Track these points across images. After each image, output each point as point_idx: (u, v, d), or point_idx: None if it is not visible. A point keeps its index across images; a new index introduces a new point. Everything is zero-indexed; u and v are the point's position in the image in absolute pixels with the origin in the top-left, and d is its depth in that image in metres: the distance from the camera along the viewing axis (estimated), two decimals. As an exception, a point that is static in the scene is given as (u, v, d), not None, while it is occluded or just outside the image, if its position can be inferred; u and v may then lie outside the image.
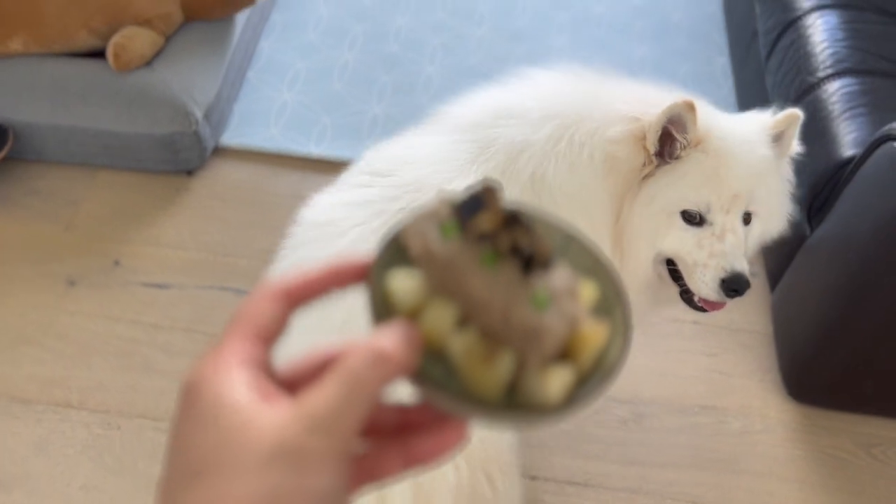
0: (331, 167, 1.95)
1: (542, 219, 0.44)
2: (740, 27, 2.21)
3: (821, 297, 1.47)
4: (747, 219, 1.11)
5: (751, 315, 1.73)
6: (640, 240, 1.10)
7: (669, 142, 1.06)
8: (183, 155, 1.84)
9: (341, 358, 0.37)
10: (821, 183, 1.47)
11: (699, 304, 1.13)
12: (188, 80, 1.82)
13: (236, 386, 0.36)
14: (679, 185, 1.06)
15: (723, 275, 1.06)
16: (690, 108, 1.03)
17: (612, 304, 0.42)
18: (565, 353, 0.39)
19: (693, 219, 1.08)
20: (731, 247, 1.07)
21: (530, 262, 0.38)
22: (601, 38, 2.35)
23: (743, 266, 1.07)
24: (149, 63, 1.81)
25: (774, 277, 1.70)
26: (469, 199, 0.40)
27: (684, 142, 1.05)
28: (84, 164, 1.89)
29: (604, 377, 0.39)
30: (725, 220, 1.07)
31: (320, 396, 0.35)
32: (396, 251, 0.41)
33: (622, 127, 1.08)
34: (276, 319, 0.39)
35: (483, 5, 2.41)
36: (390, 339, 0.37)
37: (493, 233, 0.39)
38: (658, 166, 1.07)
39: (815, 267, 1.51)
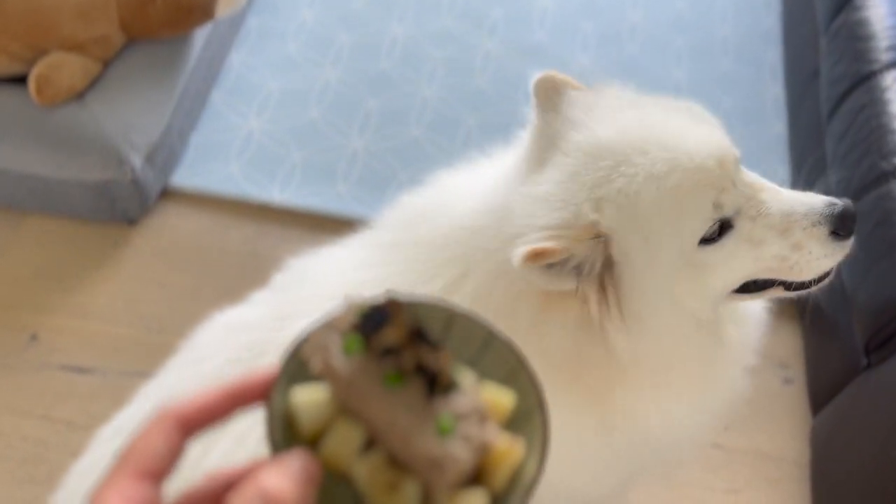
0: (293, 219, 1.68)
1: (461, 317, 0.43)
2: (800, 56, 1.84)
3: (880, 441, 1.17)
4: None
5: (782, 439, 1.43)
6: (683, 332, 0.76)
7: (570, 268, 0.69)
8: (120, 205, 1.57)
9: (225, 501, 0.35)
10: (888, 310, 1.14)
11: (814, 282, 0.79)
12: (127, 117, 1.53)
13: None
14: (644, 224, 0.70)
15: (826, 227, 0.75)
16: (539, 258, 0.67)
17: (530, 412, 0.40)
18: (477, 474, 0.38)
19: (712, 235, 0.72)
20: (776, 200, 0.74)
21: (435, 382, 0.37)
22: (632, 57, 1.99)
23: (817, 197, 0.76)
24: (81, 96, 1.53)
25: (817, 398, 1.39)
26: (372, 312, 0.39)
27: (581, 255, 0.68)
28: (8, 209, 1.63)
29: (521, 496, 0.38)
30: (742, 193, 0.72)
31: None
32: (300, 365, 0.40)
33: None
34: (168, 452, 0.37)
35: (496, 10, 2.05)
36: (282, 476, 0.35)
37: (398, 349, 0.38)
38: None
39: (875, 407, 1.20)
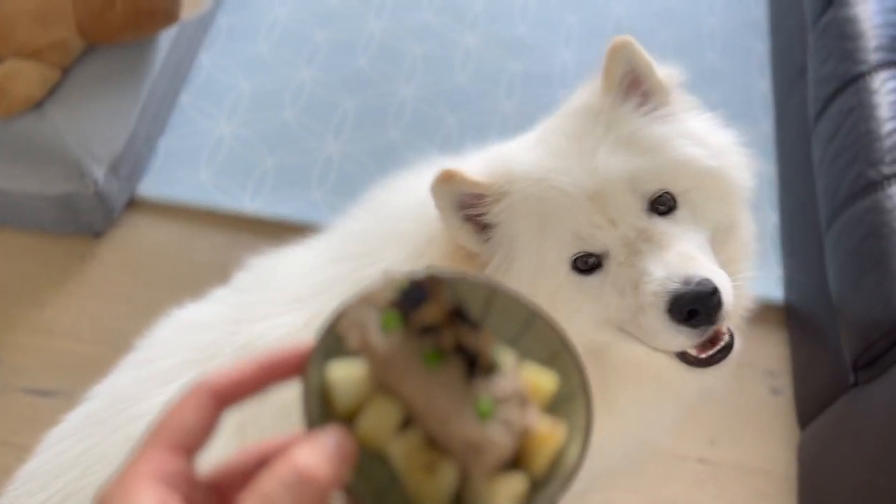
0: (266, 228, 1.62)
1: (502, 294, 0.41)
2: (787, 50, 1.78)
3: (869, 463, 1.13)
4: (664, 205, 0.73)
5: (770, 452, 1.39)
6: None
7: (476, 226, 0.74)
8: (84, 217, 1.52)
9: (258, 478, 0.33)
10: (876, 329, 1.10)
11: (692, 359, 0.74)
12: (88, 127, 1.47)
13: None
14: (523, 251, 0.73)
15: (662, 303, 0.68)
16: (450, 179, 0.71)
17: (572, 394, 0.39)
18: (517, 458, 0.37)
19: (584, 267, 0.72)
20: (652, 256, 0.69)
21: (475, 363, 0.36)
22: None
23: (689, 270, 0.68)
24: (39, 105, 1.47)
25: (805, 411, 1.35)
26: (412, 288, 0.38)
27: (484, 210, 0.73)
28: (-30, 222, 1.57)
29: (562, 481, 0.37)
30: (621, 232, 0.70)
31: None
32: (336, 340, 0.39)
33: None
34: (201, 425, 0.37)
35: (477, 3, 1.99)
36: (317, 453, 0.34)
37: (437, 327, 0.37)
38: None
39: (863, 428, 1.16)
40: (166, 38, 1.64)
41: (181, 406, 0.37)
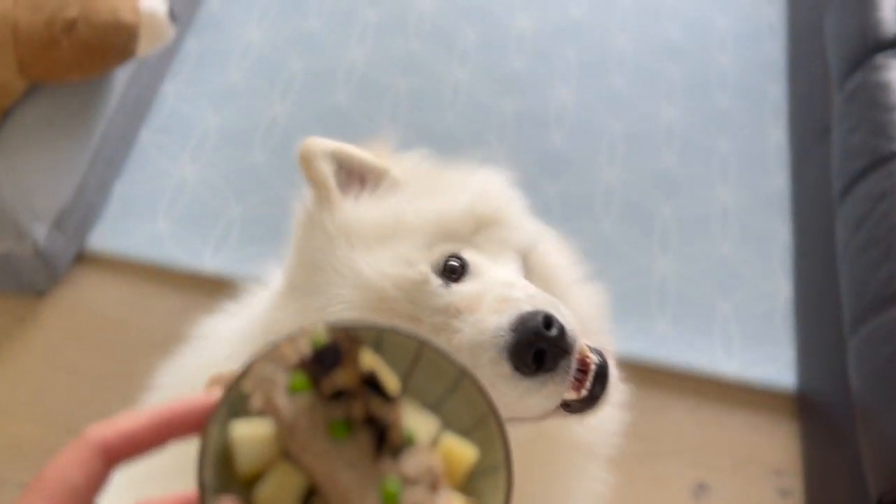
0: (227, 289, 1.47)
1: (431, 351, 0.39)
2: (807, 101, 1.63)
3: None
4: (455, 272, 0.64)
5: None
6: None
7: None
8: (25, 277, 1.36)
9: None
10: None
11: (576, 404, 0.63)
12: (29, 178, 1.31)
13: None
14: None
15: (509, 363, 0.58)
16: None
17: (493, 468, 0.37)
18: None
19: None
20: (469, 327, 0.60)
21: (385, 437, 0.34)
22: (618, 90, 1.77)
23: (508, 316, 0.59)
24: (-28, 153, 1.31)
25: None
26: (327, 347, 0.35)
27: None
28: None
29: None
30: (427, 324, 0.62)
31: None
32: (242, 397, 0.36)
33: None
34: (85, 482, 0.34)
35: (468, 32, 1.83)
36: None
37: (348, 394, 0.35)
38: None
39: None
40: (125, 69, 1.48)
41: (64, 460, 0.34)
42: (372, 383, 0.35)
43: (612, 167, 1.64)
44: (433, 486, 0.35)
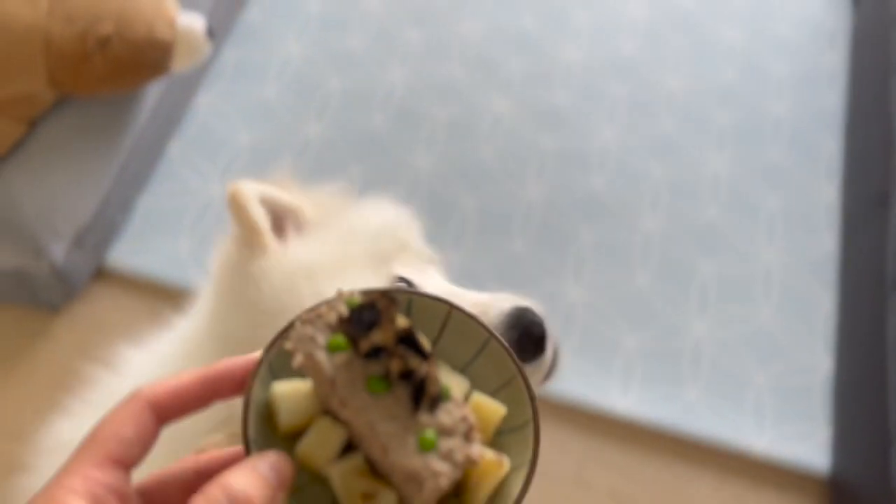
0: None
1: (460, 316, 0.41)
2: (864, 162, 1.55)
3: None
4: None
5: None
6: None
7: None
8: (41, 293, 1.33)
9: (190, 500, 0.32)
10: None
11: None
12: (51, 193, 1.28)
13: None
14: None
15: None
16: None
17: (521, 426, 0.39)
18: (459, 490, 0.37)
19: None
20: None
21: (421, 392, 0.36)
22: (666, 133, 1.70)
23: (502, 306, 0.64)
24: (-4, 163, 1.28)
25: None
26: (364, 308, 0.37)
27: None
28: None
29: None
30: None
31: None
32: (284, 357, 0.38)
33: None
34: (139, 439, 0.36)
35: (513, 61, 1.76)
36: (252, 477, 0.34)
37: (386, 351, 0.36)
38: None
39: None
40: (158, 81, 1.44)
41: (117, 416, 0.36)
42: (408, 341, 0.36)
43: (653, 217, 1.57)
44: (467, 436, 0.36)
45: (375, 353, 0.36)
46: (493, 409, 0.39)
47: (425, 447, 0.35)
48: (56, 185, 1.29)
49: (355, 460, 0.37)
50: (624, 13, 1.86)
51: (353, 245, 0.68)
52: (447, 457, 0.35)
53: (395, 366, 0.36)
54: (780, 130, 1.73)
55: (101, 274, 1.43)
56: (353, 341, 0.37)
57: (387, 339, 0.36)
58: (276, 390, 0.38)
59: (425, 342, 0.37)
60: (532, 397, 0.39)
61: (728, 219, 1.59)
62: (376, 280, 0.66)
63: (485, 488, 0.37)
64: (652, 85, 1.76)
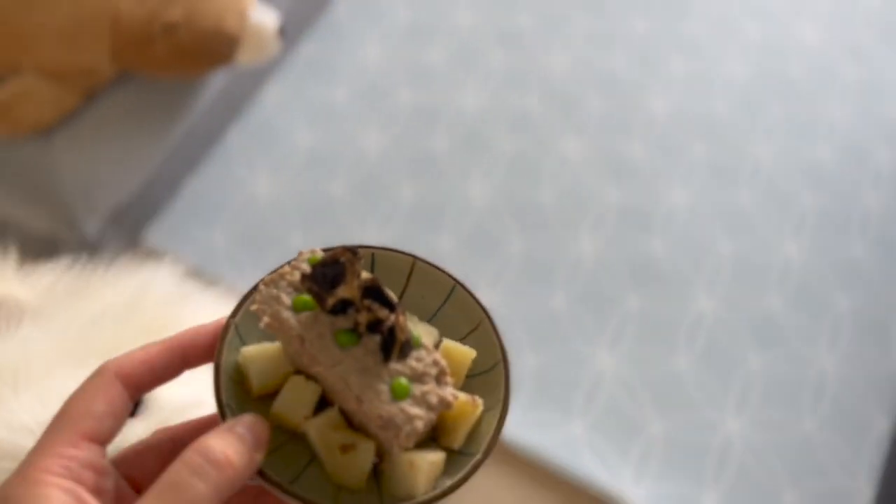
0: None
1: (424, 267, 0.42)
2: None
3: None
4: None
5: None
6: None
7: None
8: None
9: (169, 467, 0.33)
10: None
11: None
12: (96, 168, 1.27)
13: None
14: None
15: None
16: None
17: (492, 367, 0.40)
18: (435, 433, 0.38)
19: None
20: None
21: (390, 341, 0.36)
22: (742, 206, 1.58)
23: None
24: (48, 132, 1.28)
25: None
26: (327, 265, 0.37)
27: None
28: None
29: (481, 454, 0.37)
30: None
31: None
32: (250, 319, 0.39)
33: None
34: (111, 412, 0.36)
35: (595, 104, 1.67)
36: (229, 439, 0.34)
37: (352, 305, 0.36)
38: None
39: None
40: (226, 69, 1.42)
41: (86, 392, 0.36)
42: (373, 293, 0.36)
43: (709, 295, 1.47)
44: (440, 380, 0.36)
45: (342, 308, 0.36)
46: (464, 352, 0.40)
47: (399, 394, 0.35)
48: (101, 160, 1.28)
49: (331, 414, 0.37)
50: (722, 68, 1.75)
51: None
52: (421, 401, 0.35)
53: (362, 318, 0.36)
54: (867, 225, 1.59)
55: (137, 251, 1.42)
56: (319, 298, 0.36)
57: (352, 293, 0.36)
58: (245, 353, 0.38)
59: (390, 292, 0.37)
60: (500, 338, 0.41)
61: (790, 313, 1.47)
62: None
63: (461, 429, 0.38)
64: (737, 151, 1.65)
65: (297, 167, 1.53)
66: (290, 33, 1.57)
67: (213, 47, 1.27)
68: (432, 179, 1.55)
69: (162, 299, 0.62)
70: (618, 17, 1.79)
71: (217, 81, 1.41)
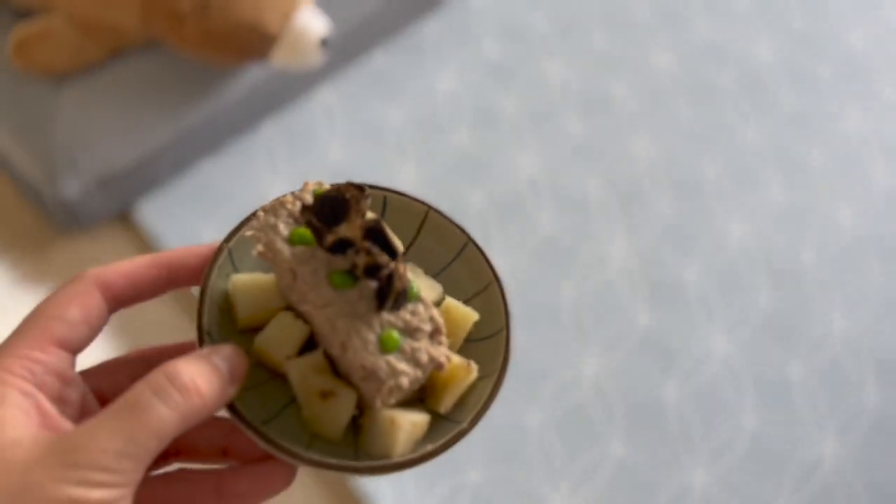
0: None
1: (437, 218, 0.40)
2: None
3: None
4: None
5: None
6: None
7: None
8: (50, 210, 1.29)
9: (133, 387, 0.31)
10: None
11: None
12: (91, 130, 1.21)
13: (5, 410, 0.29)
14: None
15: None
16: None
17: (493, 333, 0.38)
18: (423, 394, 0.37)
19: None
20: None
21: (387, 289, 0.34)
22: (781, 310, 1.35)
23: None
24: (61, 78, 1.23)
25: None
26: (332, 199, 0.34)
27: None
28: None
29: (468, 422, 0.35)
30: None
31: (91, 434, 0.29)
32: (245, 246, 0.37)
33: None
34: (85, 320, 0.34)
35: (644, 137, 1.47)
36: (203, 369, 0.32)
37: (352, 245, 0.34)
38: None
39: None
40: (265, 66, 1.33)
41: (62, 296, 0.33)
42: (376, 236, 0.34)
43: (748, 412, 1.26)
44: (434, 338, 0.34)
45: (341, 247, 0.34)
46: (465, 314, 0.38)
47: (387, 346, 0.34)
48: (102, 123, 1.22)
49: (316, 357, 0.35)
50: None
51: None
52: (410, 357, 0.34)
53: (360, 260, 0.34)
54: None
55: (124, 220, 1.37)
56: (318, 233, 0.34)
57: (353, 233, 0.34)
58: (235, 281, 0.36)
59: (396, 239, 0.35)
60: (507, 305, 0.38)
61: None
62: None
63: (451, 393, 0.36)
64: (790, 250, 1.41)
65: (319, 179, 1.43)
66: (363, 42, 1.47)
67: (245, 39, 1.18)
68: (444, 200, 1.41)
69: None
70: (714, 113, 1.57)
71: (258, 74, 1.33)
